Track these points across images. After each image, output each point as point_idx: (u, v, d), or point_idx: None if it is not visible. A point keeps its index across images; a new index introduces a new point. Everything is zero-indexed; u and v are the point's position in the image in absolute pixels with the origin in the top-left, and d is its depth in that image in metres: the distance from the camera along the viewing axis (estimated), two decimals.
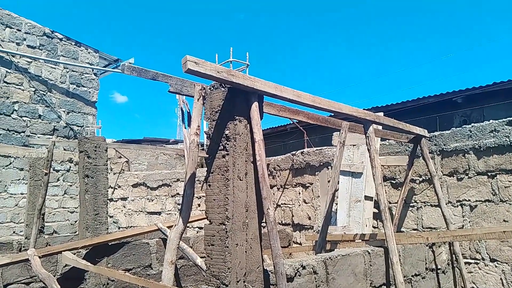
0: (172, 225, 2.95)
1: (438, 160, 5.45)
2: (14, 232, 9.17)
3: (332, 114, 4.83)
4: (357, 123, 4.75)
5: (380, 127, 5.14)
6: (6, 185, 9.28)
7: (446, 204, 5.11)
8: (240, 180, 2.63)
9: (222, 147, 2.63)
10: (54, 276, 4.13)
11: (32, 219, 6.22)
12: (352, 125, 4.80)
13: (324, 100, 3.41)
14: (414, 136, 5.20)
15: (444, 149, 5.39)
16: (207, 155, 2.81)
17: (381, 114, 5.53)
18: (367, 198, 5.57)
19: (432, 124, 10.32)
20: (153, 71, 3.49)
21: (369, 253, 3.55)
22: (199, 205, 9.54)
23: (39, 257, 4.13)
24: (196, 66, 2.33)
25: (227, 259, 2.42)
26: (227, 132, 2.63)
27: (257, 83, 2.68)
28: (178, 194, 10.31)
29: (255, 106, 2.69)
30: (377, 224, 5.88)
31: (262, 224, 2.73)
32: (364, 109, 4.32)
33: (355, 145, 5.99)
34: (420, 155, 5.25)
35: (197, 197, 9.40)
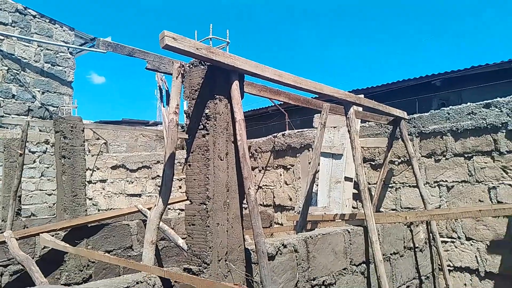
0: (153, 207, 2.91)
1: (417, 142, 5.53)
2: None
3: (314, 95, 4.83)
4: (338, 105, 4.76)
5: (360, 109, 5.17)
6: None
7: (424, 184, 5.22)
8: (221, 160, 2.60)
9: (202, 126, 2.58)
10: (33, 258, 4.06)
11: (8, 201, 6.07)
12: (333, 107, 4.81)
13: (305, 80, 3.38)
14: (394, 118, 5.25)
15: (423, 131, 5.48)
16: (187, 135, 2.76)
17: (362, 96, 5.57)
18: (347, 179, 5.63)
19: (411, 106, 10.46)
20: (130, 47, 3.39)
21: (349, 232, 3.60)
22: (180, 187, 9.49)
23: (16, 239, 4.04)
24: (175, 42, 2.26)
25: (208, 238, 2.41)
26: (207, 111, 2.58)
27: (238, 61, 2.63)
28: (158, 176, 10.23)
29: (235, 85, 2.65)
30: (357, 204, 5.97)
31: (243, 204, 2.72)
32: (345, 91, 4.33)
33: (335, 127, 6.02)
34: (400, 137, 5.32)
35: (178, 179, 9.34)
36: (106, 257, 2.74)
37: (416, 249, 4.72)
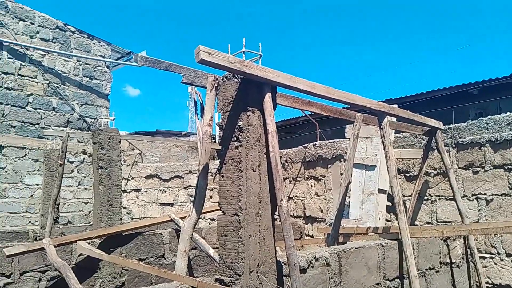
0: (185, 216, 2.96)
1: (454, 153, 5.36)
2: (29, 222, 9.35)
3: (346, 106, 4.79)
4: (371, 115, 4.70)
5: (394, 119, 5.08)
6: (21, 176, 9.45)
7: (461, 197, 5.04)
8: (253, 171, 2.62)
9: (235, 138, 2.61)
10: (69, 265, 4.19)
11: (47, 209, 6.33)
12: (366, 117, 4.75)
13: (338, 91, 3.36)
14: (429, 129, 5.11)
15: (460, 142, 5.30)
16: (220, 147, 2.80)
17: (396, 106, 5.46)
18: (380, 191, 5.52)
19: (447, 116, 10.16)
20: (166, 61, 3.49)
21: (382, 246, 3.52)
22: (211, 197, 9.58)
23: (54, 246, 4.20)
24: (209, 56, 2.31)
25: (240, 250, 2.42)
26: (240, 123, 2.60)
27: (270, 74, 2.65)
28: (190, 186, 10.37)
29: (268, 97, 2.67)
30: (390, 217, 5.83)
31: (275, 216, 2.72)
32: (378, 101, 4.27)
33: (368, 137, 5.93)
34: (435, 147, 5.17)
35: (209, 189, 9.43)
36: (140, 266, 2.80)
37: (453, 265, 4.54)
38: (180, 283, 2.20)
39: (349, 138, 5.54)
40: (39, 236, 6.16)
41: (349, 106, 4.61)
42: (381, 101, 4.16)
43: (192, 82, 3.49)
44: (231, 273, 2.40)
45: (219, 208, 2.68)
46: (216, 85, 3.00)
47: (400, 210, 3.59)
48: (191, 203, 2.90)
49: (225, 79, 2.74)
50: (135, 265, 2.84)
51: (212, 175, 9.46)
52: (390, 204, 5.55)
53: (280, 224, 2.49)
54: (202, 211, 5.92)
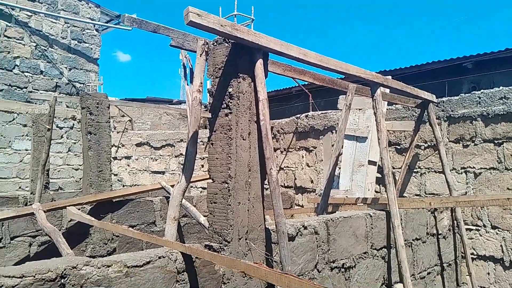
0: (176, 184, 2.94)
1: (445, 126, 5.37)
2: (20, 187, 9.30)
3: (340, 76, 4.72)
4: (364, 86, 4.65)
5: (387, 91, 5.04)
6: (10, 141, 9.32)
7: (450, 170, 5.09)
8: (243, 139, 2.59)
9: (225, 105, 2.57)
10: (60, 230, 4.21)
11: (37, 174, 6.28)
12: (359, 88, 4.70)
13: (331, 59, 3.30)
14: (422, 101, 5.10)
15: (452, 115, 5.30)
16: (210, 114, 2.75)
17: (389, 77, 5.40)
18: (370, 162, 5.55)
19: (440, 90, 10.14)
20: (154, 23, 3.36)
21: (370, 216, 3.56)
22: (202, 165, 9.59)
23: (44, 212, 4.19)
24: (199, 18, 2.22)
25: (229, 217, 2.42)
26: (230, 90, 2.55)
27: (262, 39, 2.57)
28: (181, 154, 10.35)
29: (259, 63, 2.60)
30: (380, 189, 5.89)
31: (264, 185, 2.71)
32: (372, 72, 4.21)
33: (361, 109, 5.90)
34: (427, 120, 5.17)
35: (200, 158, 9.43)
36: (130, 232, 2.80)
37: (439, 236, 4.64)
38: (169, 248, 2.21)
39: (341, 109, 5.50)
40: (29, 202, 6.14)
41: (342, 76, 4.56)
42: (375, 72, 4.11)
43: (181, 46, 3.39)
44: (220, 239, 2.42)
45: (209, 176, 2.67)
46: (206, 50, 2.91)
47: (389, 182, 3.61)
48: (181, 171, 2.87)
49: (215, 44, 2.66)
50: (125, 231, 2.84)
51: (204, 144, 9.43)
52: (379, 175, 5.59)
53: (269, 193, 2.49)
54: (193, 180, 5.93)
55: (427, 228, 4.42)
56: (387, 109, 5.95)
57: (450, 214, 4.94)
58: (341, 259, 3.20)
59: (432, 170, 5.47)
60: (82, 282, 1.79)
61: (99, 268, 1.85)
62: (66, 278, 1.75)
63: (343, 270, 3.20)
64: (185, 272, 2.16)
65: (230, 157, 2.51)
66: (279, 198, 2.52)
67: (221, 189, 2.53)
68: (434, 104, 5.25)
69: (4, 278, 1.59)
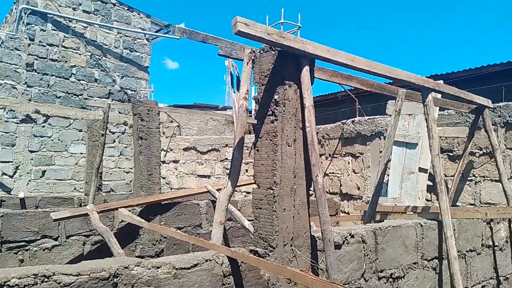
0: (221, 188, 3.00)
1: (502, 132, 5.07)
2: (75, 188, 9.86)
3: (388, 81, 4.60)
4: (414, 91, 4.50)
5: (439, 96, 4.84)
6: (66, 145, 9.91)
7: (508, 179, 4.78)
8: (289, 146, 2.58)
9: (271, 112, 2.58)
10: (111, 230, 4.41)
11: (91, 177, 6.62)
12: (409, 93, 4.56)
13: (379, 64, 3.22)
14: (477, 107, 4.84)
15: (509, 121, 5.00)
16: (256, 121, 2.77)
17: (441, 81, 5.19)
18: (421, 170, 5.34)
19: (496, 94, 9.58)
20: (203, 33, 3.46)
21: (421, 225, 3.42)
22: (246, 170, 9.67)
23: (98, 212, 4.41)
24: (246, 27, 2.26)
25: (275, 223, 2.43)
26: (276, 97, 2.56)
27: (308, 46, 2.56)
28: (226, 159, 10.50)
29: (305, 70, 2.59)
30: (431, 197, 5.65)
31: (310, 191, 2.69)
32: (423, 76, 4.07)
33: (411, 114, 5.71)
34: (482, 126, 4.90)
35: (245, 162, 9.52)
36: (177, 234, 2.88)
37: (496, 248, 4.37)
38: (215, 252, 2.25)
39: (389, 115, 5.35)
40: (83, 203, 6.49)
41: (391, 81, 4.44)
42: (426, 77, 3.97)
43: (229, 55, 3.46)
44: (265, 245, 2.43)
45: (254, 181, 2.69)
46: (252, 58, 2.95)
47: (441, 190, 3.46)
48: (227, 176, 2.92)
49: (262, 52, 2.68)
50: (173, 233, 2.93)
51: (248, 149, 9.52)
52: (431, 183, 5.37)
53: (315, 200, 2.47)
54: (238, 184, 5.99)
55: (482, 239, 4.18)
56: (438, 114, 5.71)
57: (508, 225, 4.63)
58: (389, 269, 3.10)
59: (488, 178, 5.18)
60: (133, 282, 1.86)
61: (149, 269, 1.92)
62: (118, 278, 1.83)
63: (391, 280, 3.10)
64: (231, 276, 2.19)
65: (275, 163, 2.51)
66: (325, 205, 2.49)
67: (266, 195, 2.54)
68: (490, 109, 4.97)
69: (61, 276, 1.69)
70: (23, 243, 4.27)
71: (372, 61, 3.13)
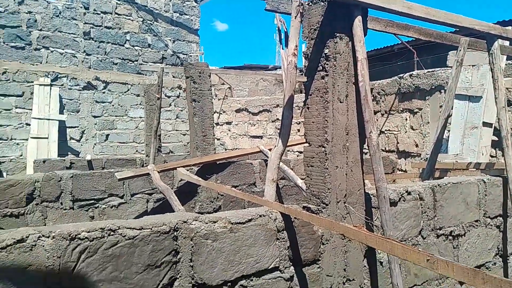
0: (273, 148, 3.01)
1: None
2: (136, 151, 10.43)
3: (449, 29, 4.27)
4: (478, 39, 4.14)
5: (506, 43, 4.41)
6: (126, 110, 10.40)
7: None
8: (341, 102, 2.51)
9: (321, 67, 2.50)
10: (172, 189, 4.65)
11: (150, 139, 6.95)
12: (473, 42, 4.20)
13: (440, 11, 2.97)
14: None
15: None
16: (306, 77, 2.71)
17: (510, 28, 4.71)
18: (485, 124, 5.01)
19: None
20: None
21: (484, 182, 3.25)
22: (298, 130, 9.63)
23: (158, 172, 4.65)
24: None
25: (327, 180, 2.42)
26: (326, 51, 2.47)
27: None
28: (278, 119, 10.51)
29: (357, 20, 2.45)
30: (496, 153, 5.31)
31: (363, 149, 2.63)
32: (488, 23, 3.72)
33: (474, 65, 5.30)
34: None
35: (296, 122, 9.47)
36: (233, 191, 2.98)
37: None
38: (269, 208, 2.30)
39: (451, 67, 5.00)
40: (145, 163, 6.86)
41: (452, 30, 4.11)
42: (492, 23, 3.62)
43: (276, 9, 3.35)
44: (318, 201, 2.44)
45: (305, 140, 2.67)
46: (301, 11, 2.83)
47: (508, 145, 3.23)
48: (278, 135, 2.93)
49: (310, 3, 2.56)
50: (229, 191, 3.03)
51: (299, 109, 9.42)
52: (496, 138, 5.03)
53: (369, 158, 2.41)
54: (290, 144, 6.01)
55: None
56: (506, 64, 5.24)
57: None
58: (449, 227, 3.01)
59: None
60: (192, 235, 1.97)
61: (206, 223, 2.01)
62: (178, 231, 1.94)
63: (450, 238, 3.01)
64: (284, 231, 2.25)
65: (326, 120, 2.47)
66: (380, 162, 2.43)
67: (318, 152, 2.52)
68: None
69: (126, 229, 1.82)
70: (92, 201, 4.64)
71: (432, 8, 2.89)
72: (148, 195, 4.92)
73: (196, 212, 4.92)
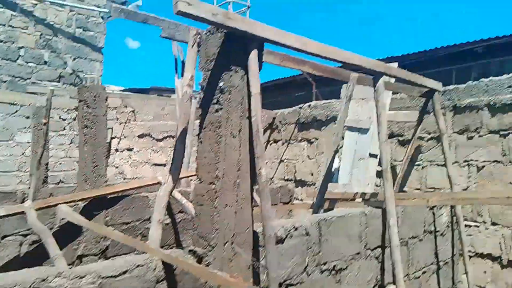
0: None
1: (450, 116, 5.18)
2: (21, 181, 9.25)
3: (341, 65, 4.56)
4: (368, 75, 4.48)
5: (392, 80, 4.85)
6: (12, 133, 9.28)
7: (453, 163, 4.89)
8: (233, 137, 2.46)
9: (216, 100, 2.43)
10: (52, 228, 4.14)
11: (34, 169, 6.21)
12: (362, 77, 4.53)
13: (332, 48, 3.13)
14: (427, 90, 4.88)
15: (457, 105, 5.11)
16: (200, 110, 2.62)
17: (395, 64, 5.18)
18: (372, 155, 5.40)
19: (449, 77, 9.85)
20: (143, 13, 3.25)
21: (365, 214, 3.43)
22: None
23: (36, 210, 4.11)
24: (189, 7, 2.08)
25: (215, 220, 2.32)
26: (221, 83, 2.41)
27: (257, 28, 2.41)
28: None
29: (253, 54, 2.44)
30: (380, 182, 5.74)
31: (255, 184, 2.60)
32: (378, 59, 4.03)
33: (364, 99, 5.73)
34: (432, 110, 4.98)
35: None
36: (113, 234, 2.73)
37: (437, 233, 4.47)
38: (149, 255, 2.12)
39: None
40: (27, 197, 6.10)
41: (344, 65, 4.40)
42: (380, 59, 3.93)
43: (172, 37, 3.26)
44: (205, 244, 2.32)
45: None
46: (198, 41, 2.76)
47: (387, 178, 3.48)
48: (168, 169, 2.77)
49: (208, 34, 2.49)
50: (109, 234, 2.77)
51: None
52: (380, 169, 5.44)
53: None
54: (188, 175, 5.81)
55: (425, 225, 4.26)
56: (392, 98, 5.76)
57: (450, 210, 4.75)
58: (332, 261, 3.08)
59: (434, 163, 5.30)
60: None
61: (71, 280, 1.77)
62: None
63: (333, 272, 3.08)
64: (164, 281, 2.07)
65: (218, 156, 2.39)
66: (268, 199, 2.42)
67: (208, 190, 2.42)
68: (440, 93, 5.04)
69: None
70: None
71: (324, 45, 3.03)
72: (23, 236, 4.30)
73: (79, 255, 4.45)
